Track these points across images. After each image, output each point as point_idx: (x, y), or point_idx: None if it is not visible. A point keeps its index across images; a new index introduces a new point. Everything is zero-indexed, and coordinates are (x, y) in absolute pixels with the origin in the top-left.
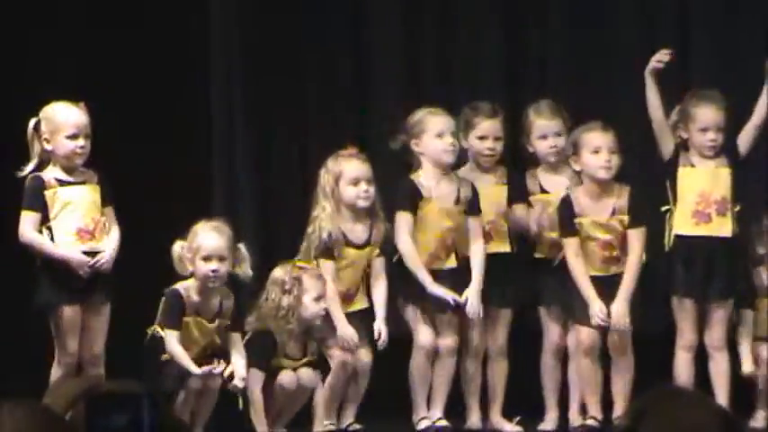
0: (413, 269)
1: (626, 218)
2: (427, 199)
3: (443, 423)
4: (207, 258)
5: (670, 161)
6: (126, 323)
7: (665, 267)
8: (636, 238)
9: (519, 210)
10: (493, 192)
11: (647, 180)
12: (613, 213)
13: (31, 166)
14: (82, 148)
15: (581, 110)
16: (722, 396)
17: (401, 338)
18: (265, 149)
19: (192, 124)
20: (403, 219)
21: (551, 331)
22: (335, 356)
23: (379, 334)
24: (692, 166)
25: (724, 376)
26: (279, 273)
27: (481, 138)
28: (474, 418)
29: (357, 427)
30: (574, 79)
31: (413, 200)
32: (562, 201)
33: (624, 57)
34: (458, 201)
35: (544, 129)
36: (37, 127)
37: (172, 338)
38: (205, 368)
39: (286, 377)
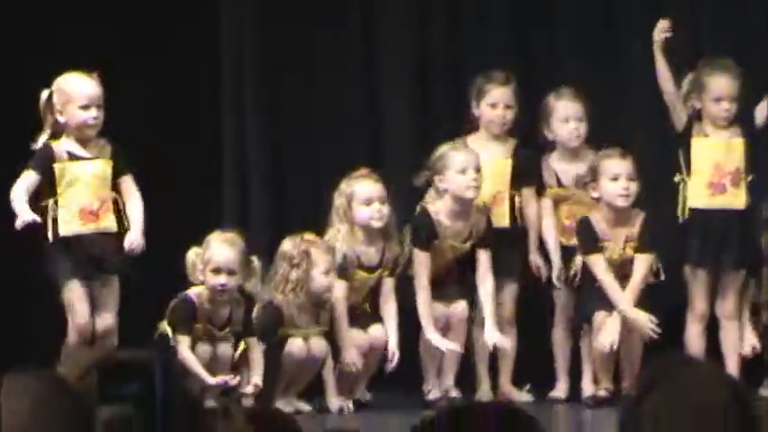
0: (420, 312)
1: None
2: (442, 238)
3: (454, 393)
4: (216, 271)
5: (683, 132)
6: (139, 300)
7: (680, 237)
8: (641, 262)
9: (527, 195)
10: (500, 164)
11: (660, 153)
12: (626, 242)
13: (44, 137)
14: (95, 118)
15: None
16: (732, 366)
17: (414, 309)
18: (277, 147)
19: (201, 121)
20: (421, 257)
21: (561, 299)
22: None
23: (393, 355)
24: (706, 136)
25: (734, 346)
26: (287, 246)
27: (492, 105)
28: (484, 388)
29: (367, 397)
30: (585, 73)
31: (430, 238)
32: (582, 222)
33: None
34: (469, 237)
35: (567, 112)
36: (50, 98)
37: (183, 344)
38: (219, 379)
39: (295, 345)
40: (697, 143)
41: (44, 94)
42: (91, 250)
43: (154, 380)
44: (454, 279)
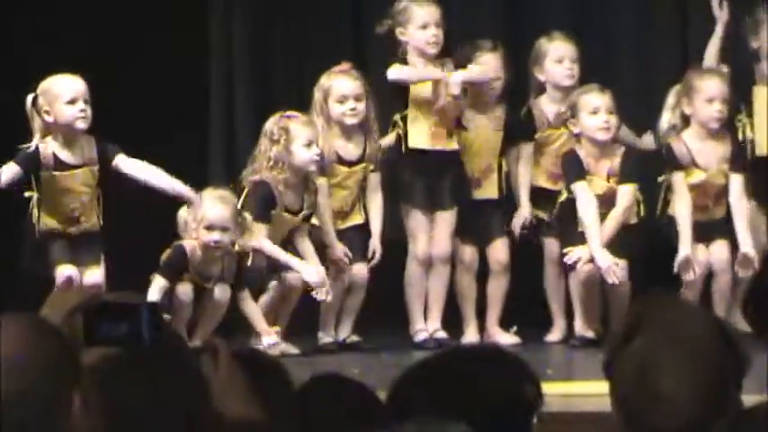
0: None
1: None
2: None
3: (442, 334)
4: (210, 228)
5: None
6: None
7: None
8: (623, 194)
9: (525, 149)
10: (489, 136)
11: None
12: (609, 176)
13: (34, 143)
14: (82, 111)
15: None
16: (721, 309)
17: (400, 244)
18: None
19: (190, 66)
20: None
21: (550, 245)
22: (331, 273)
23: (374, 252)
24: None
25: (725, 293)
26: (268, 124)
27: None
28: (471, 330)
29: (355, 339)
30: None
31: None
32: (568, 153)
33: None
34: None
35: (560, 52)
36: (35, 102)
37: (158, 287)
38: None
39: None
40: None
41: (29, 99)
42: (73, 247)
43: (141, 320)
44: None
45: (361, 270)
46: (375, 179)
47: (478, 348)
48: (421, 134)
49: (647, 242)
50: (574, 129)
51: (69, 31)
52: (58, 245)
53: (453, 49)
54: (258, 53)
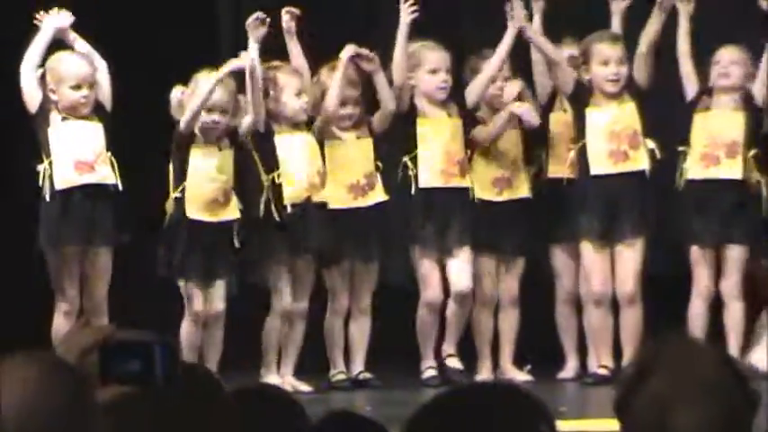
0: None
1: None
2: None
3: (455, 363)
4: (210, 110)
5: (691, 103)
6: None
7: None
8: None
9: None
10: (508, 137)
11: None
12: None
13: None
14: (85, 97)
15: None
16: (734, 346)
17: (407, 288)
18: None
19: None
20: None
21: (564, 278)
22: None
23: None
24: (708, 109)
25: (738, 326)
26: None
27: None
28: (485, 368)
29: (367, 375)
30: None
31: None
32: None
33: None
34: None
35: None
36: (43, 77)
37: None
38: None
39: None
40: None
41: (38, 74)
42: (87, 213)
43: (154, 359)
44: None
45: (364, 298)
46: None
47: (492, 386)
48: (433, 173)
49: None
50: (586, 75)
51: None
52: (68, 222)
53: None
54: None
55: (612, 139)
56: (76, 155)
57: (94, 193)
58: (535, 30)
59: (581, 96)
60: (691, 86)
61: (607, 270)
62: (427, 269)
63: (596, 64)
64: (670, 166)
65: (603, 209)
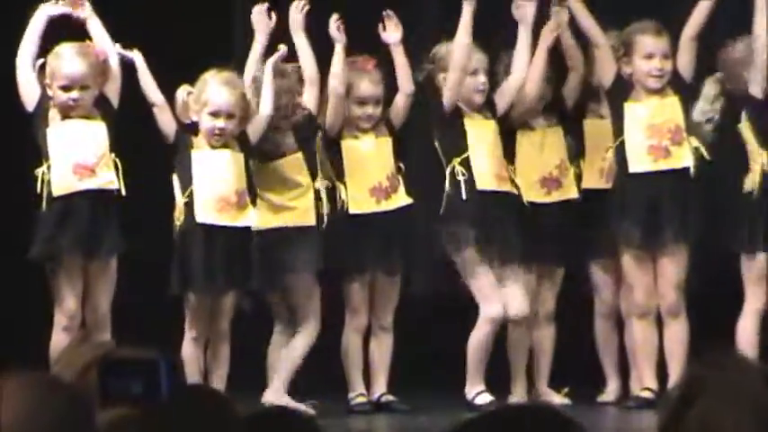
0: None
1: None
2: None
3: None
4: (215, 114)
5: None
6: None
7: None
8: None
9: None
10: (551, 137)
11: None
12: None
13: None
14: (75, 100)
15: None
16: None
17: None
18: None
19: None
20: None
21: (603, 290)
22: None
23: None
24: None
25: None
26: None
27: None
28: (519, 391)
29: (390, 398)
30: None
31: None
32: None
33: None
34: None
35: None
36: (42, 69)
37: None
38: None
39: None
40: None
41: (37, 64)
42: (88, 221)
43: (159, 376)
44: None
45: (386, 314)
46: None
47: (527, 408)
48: (488, 175)
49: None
50: (626, 69)
51: None
52: (68, 232)
53: None
54: None
55: (652, 134)
56: (76, 157)
57: (96, 200)
58: (579, 11)
59: (620, 90)
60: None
61: (651, 279)
62: (486, 281)
63: (639, 57)
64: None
65: (644, 213)
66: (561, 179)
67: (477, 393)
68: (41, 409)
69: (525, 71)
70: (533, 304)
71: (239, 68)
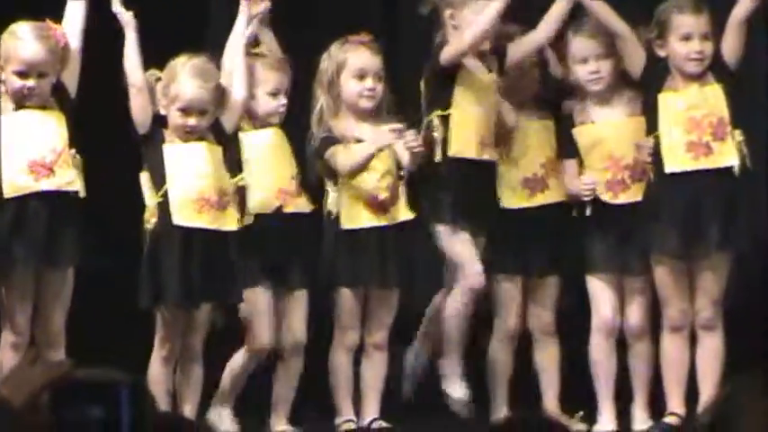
0: None
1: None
2: None
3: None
4: (185, 111)
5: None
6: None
7: None
8: None
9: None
10: (539, 130)
11: None
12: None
13: None
14: (30, 89)
15: None
16: None
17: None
18: None
19: None
20: None
21: (602, 305)
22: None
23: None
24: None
25: None
26: None
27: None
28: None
29: (383, 424)
30: None
31: None
32: None
33: None
34: None
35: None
36: None
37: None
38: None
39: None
40: None
41: None
42: (45, 227)
43: (120, 402)
44: None
45: (379, 336)
46: None
47: (536, 422)
48: (468, 141)
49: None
50: (660, 51)
51: None
52: (20, 240)
53: None
54: None
55: (692, 129)
56: (32, 154)
57: (54, 203)
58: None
59: (653, 79)
60: None
61: (686, 291)
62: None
63: (675, 39)
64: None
65: (682, 219)
66: (547, 179)
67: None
68: None
69: (552, 31)
70: (520, 320)
71: (214, 51)
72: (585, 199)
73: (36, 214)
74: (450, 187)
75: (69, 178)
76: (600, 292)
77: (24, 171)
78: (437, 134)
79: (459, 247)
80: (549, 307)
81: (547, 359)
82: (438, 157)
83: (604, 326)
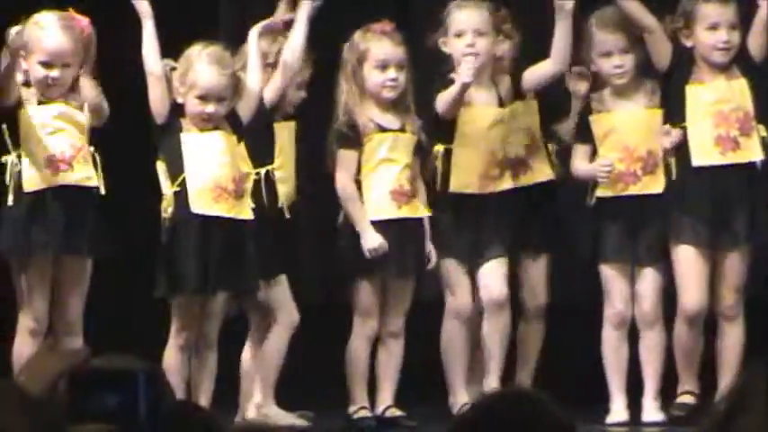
0: None
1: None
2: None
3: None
4: (203, 98)
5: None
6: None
7: None
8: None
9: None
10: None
11: None
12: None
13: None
14: (54, 80)
15: None
16: None
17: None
18: None
19: None
20: None
21: (613, 294)
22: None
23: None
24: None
25: None
26: None
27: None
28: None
29: (397, 413)
30: None
31: None
32: None
33: None
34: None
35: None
36: (19, 36)
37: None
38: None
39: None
40: None
41: (13, 31)
42: (63, 220)
43: (137, 390)
44: None
45: (395, 324)
46: None
47: (532, 392)
48: (469, 177)
49: None
50: (687, 42)
51: None
52: (38, 229)
53: None
54: None
55: (720, 122)
56: (50, 149)
57: (72, 196)
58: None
59: (680, 71)
60: None
61: (705, 282)
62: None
63: (702, 28)
64: None
65: (709, 211)
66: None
67: (455, 404)
68: (3, 425)
69: (567, 61)
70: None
71: (228, 41)
72: (601, 181)
73: (55, 205)
74: (449, 222)
75: (88, 174)
76: (612, 282)
77: (43, 165)
78: (439, 165)
79: (455, 278)
80: (542, 284)
81: (531, 341)
82: (439, 187)
83: (615, 317)
